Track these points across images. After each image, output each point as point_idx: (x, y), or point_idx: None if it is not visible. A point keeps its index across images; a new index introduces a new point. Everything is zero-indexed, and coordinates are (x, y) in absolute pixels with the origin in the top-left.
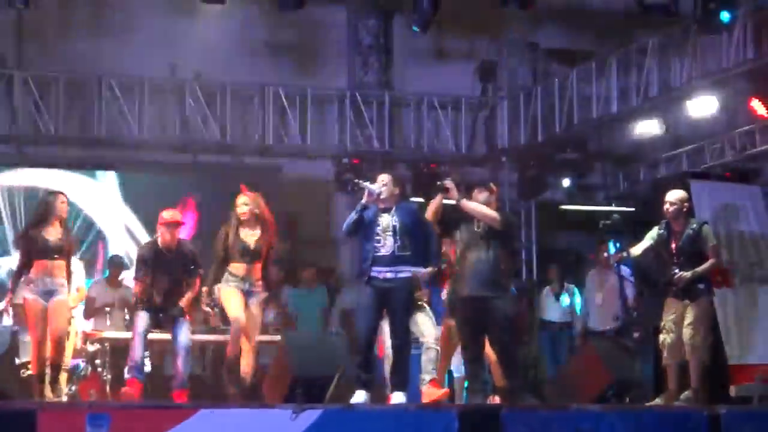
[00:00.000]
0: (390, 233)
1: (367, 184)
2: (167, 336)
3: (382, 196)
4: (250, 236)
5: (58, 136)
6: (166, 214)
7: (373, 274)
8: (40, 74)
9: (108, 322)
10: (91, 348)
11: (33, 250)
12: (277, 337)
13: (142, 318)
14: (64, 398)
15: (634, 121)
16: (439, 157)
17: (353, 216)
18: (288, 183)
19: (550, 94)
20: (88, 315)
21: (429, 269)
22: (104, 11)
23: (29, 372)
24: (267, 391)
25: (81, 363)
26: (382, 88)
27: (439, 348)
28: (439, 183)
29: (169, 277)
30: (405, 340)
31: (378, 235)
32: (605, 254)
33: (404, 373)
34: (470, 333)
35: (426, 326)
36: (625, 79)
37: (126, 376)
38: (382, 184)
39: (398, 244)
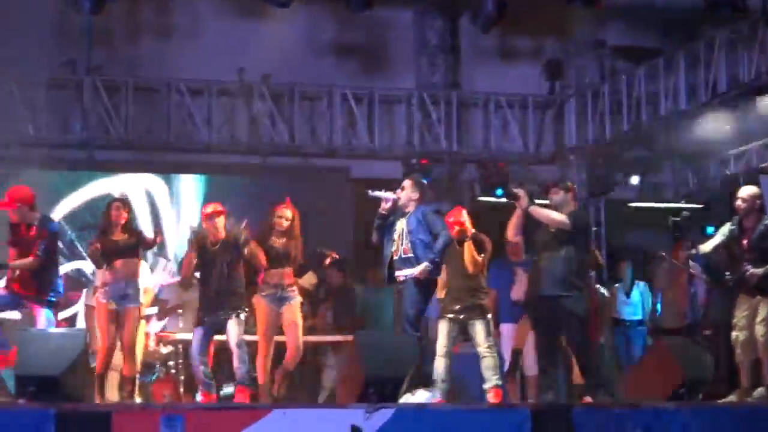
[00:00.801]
0: (402, 237)
1: (378, 193)
2: (223, 337)
3: (400, 202)
4: (279, 242)
5: (128, 141)
6: (207, 208)
7: (396, 276)
8: (110, 79)
9: (180, 324)
10: (164, 350)
11: (102, 255)
12: (350, 338)
13: (197, 339)
14: (138, 400)
15: (703, 118)
16: (506, 155)
17: (375, 225)
18: (357, 184)
19: (618, 92)
20: (160, 316)
21: (421, 268)
22: (172, 16)
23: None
24: (340, 391)
25: (155, 365)
26: (450, 88)
27: (495, 355)
28: (510, 192)
29: (220, 270)
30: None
31: (393, 240)
32: (677, 251)
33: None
34: (544, 331)
35: (480, 335)
36: (693, 75)
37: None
38: (400, 190)
39: (404, 247)
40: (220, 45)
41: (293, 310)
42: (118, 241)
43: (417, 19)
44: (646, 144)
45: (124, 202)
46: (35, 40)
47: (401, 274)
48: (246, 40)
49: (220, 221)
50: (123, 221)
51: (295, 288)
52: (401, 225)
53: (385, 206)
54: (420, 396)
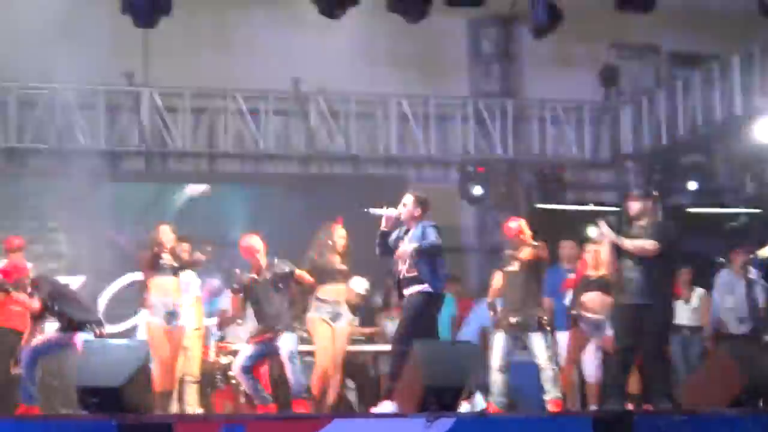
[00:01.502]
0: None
1: (377, 211)
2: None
3: (402, 218)
4: (336, 260)
5: (185, 152)
6: (245, 242)
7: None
8: (167, 90)
9: (241, 334)
10: (225, 360)
11: (150, 272)
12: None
13: (245, 357)
14: (199, 410)
15: (759, 122)
16: (563, 162)
17: (376, 242)
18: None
19: (674, 97)
20: (221, 326)
21: (409, 248)
22: (228, 27)
23: None
24: (399, 401)
25: (216, 375)
26: (505, 96)
27: (554, 367)
28: (596, 228)
29: (269, 299)
30: (397, 350)
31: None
32: (735, 257)
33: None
34: (626, 340)
35: (539, 348)
36: (748, 79)
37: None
38: (402, 206)
39: (407, 265)
40: (276, 55)
41: (346, 327)
42: (164, 259)
43: (471, 27)
44: (703, 149)
45: (170, 223)
46: (94, 52)
47: (406, 290)
48: (301, 50)
49: (261, 257)
50: (170, 242)
51: (345, 305)
52: (405, 241)
53: (388, 224)
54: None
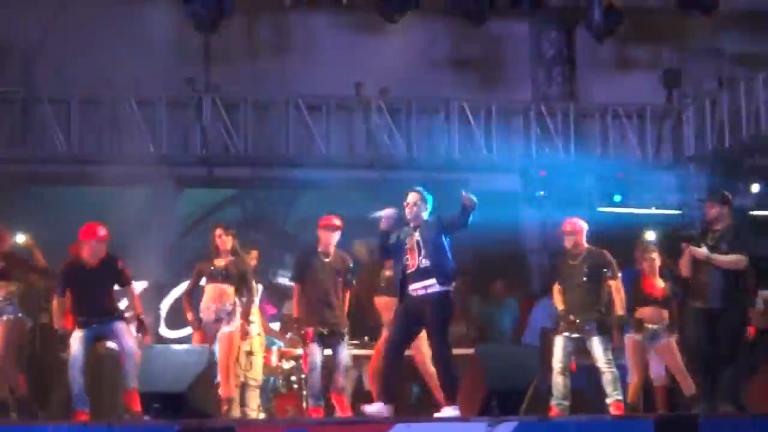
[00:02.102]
0: (415, 250)
1: (378, 213)
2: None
3: (408, 217)
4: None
5: (247, 157)
6: (325, 220)
7: (408, 292)
8: (229, 96)
9: None
10: (287, 365)
11: (202, 277)
12: (470, 350)
13: (314, 353)
14: (262, 415)
15: None
16: (625, 166)
17: (378, 243)
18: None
19: (737, 99)
20: (284, 331)
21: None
22: (289, 32)
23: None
24: (462, 404)
25: (278, 380)
26: (567, 99)
27: (613, 370)
28: (685, 246)
29: (323, 287)
30: (444, 355)
31: (406, 253)
32: None
33: (451, 387)
34: (703, 344)
35: (598, 351)
36: None
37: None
38: (405, 204)
39: (421, 257)
40: (337, 60)
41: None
42: (215, 267)
43: (533, 30)
44: (766, 151)
45: (227, 229)
46: (155, 59)
47: (420, 286)
48: (363, 54)
49: (335, 236)
50: (226, 247)
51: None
52: (413, 239)
53: (387, 224)
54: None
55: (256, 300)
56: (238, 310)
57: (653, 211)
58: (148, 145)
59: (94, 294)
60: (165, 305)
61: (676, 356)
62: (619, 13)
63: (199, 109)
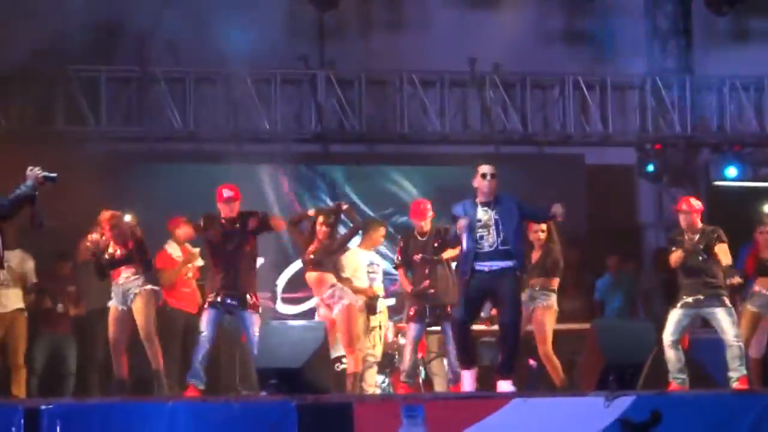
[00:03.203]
0: (493, 229)
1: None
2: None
3: (485, 190)
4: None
5: (362, 134)
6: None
7: (477, 268)
8: (343, 73)
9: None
10: (403, 341)
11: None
12: (586, 325)
13: (413, 329)
14: (378, 391)
15: None
16: (743, 138)
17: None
18: (591, 171)
19: None
20: (399, 308)
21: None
22: (402, 7)
23: (344, 366)
24: (580, 379)
25: (395, 355)
26: (683, 72)
27: (741, 344)
28: None
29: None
30: (513, 332)
31: (479, 230)
32: None
33: (513, 362)
34: None
35: (725, 323)
36: None
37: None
38: (483, 175)
39: (501, 238)
40: (450, 36)
41: (542, 316)
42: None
43: (648, 3)
44: None
45: (327, 213)
46: (269, 36)
47: (496, 265)
48: (476, 29)
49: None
50: (322, 237)
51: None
52: (488, 215)
53: (459, 230)
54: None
55: (379, 277)
56: (340, 288)
57: None
58: (263, 122)
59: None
60: (281, 282)
61: None
62: None
63: (314, 86)
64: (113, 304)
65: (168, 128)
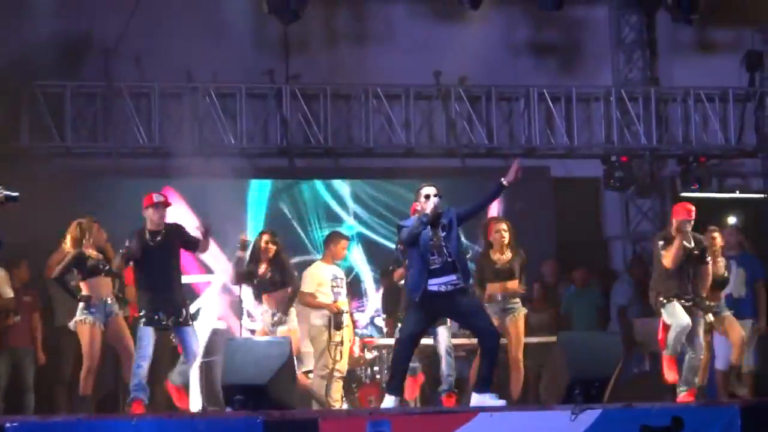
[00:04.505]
0: (443, 246)
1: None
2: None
3: (429, 210)
4: (500, 259)
5: (327, 148)
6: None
7: (430, 287)
8: (308, 87)
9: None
10: (369, 355)
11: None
12: (552, 338)
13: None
14: (345, 406)
15: None
16: (708, 150)
17: (418, 229)
18: (557, 184)
19: None
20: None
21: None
22: (367, 21)
23: (309, 380)
24: (544, 392)
25: (361, 370)
26: (648, 84)
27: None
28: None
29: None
30: (493, 339)
31: (430, 249)
32: None
33: (492, 373)
34: None
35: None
36: None
37: None
38: (434, 196)
39: (450, 256)
40: (415, 49)
41: (517, 322)
42: (264, 276)
43: (613, 15)
44: None
45: (270, 236)
46: (234, 51)
47: (445, 281)
48: (441, 42)
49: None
50: (269, 255)
51: (518, 300)
52: (437, 235)
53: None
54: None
55: (343, 291)
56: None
57: (736, 196)
58: (228, 136)
59: None
60: (247, 297)
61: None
62: None
63: (279, 100)
64: (92, 320)
65: (133, 143)
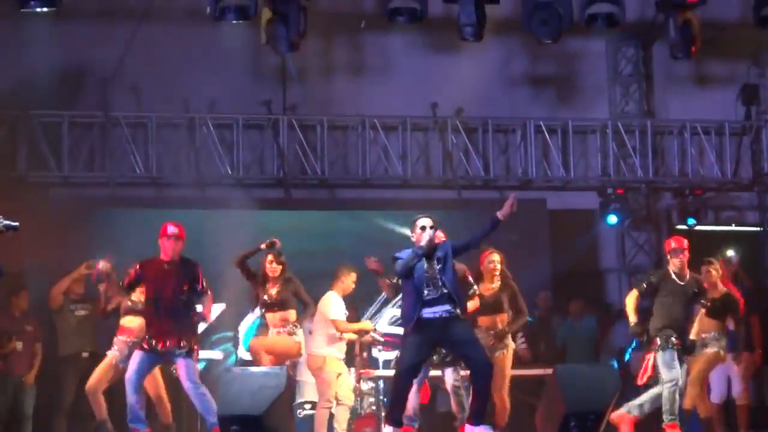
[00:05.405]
0: (437, 277)
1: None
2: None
3: (424, 242)
4: (489, 290)
5: (324, 179)
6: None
7: (425, 316)
8: (305, 118)
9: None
10: (365, 386)
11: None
12: (548, 371)
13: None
14: None
15: None
16: (704, 183)
17: (413, 261)
18: (552, 215)
19: None
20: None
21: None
22: (364, 53)
23: (306, 412)
24: (540, 425)
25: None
26: (644, 117)
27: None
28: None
29: None
30: (487, 370)
31: (425, 282)
32: None
33: (485, 406)
34: None
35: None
36: None
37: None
38: (430, 228)
39: (444, 287)
40: (412, 80)
41: (504, 360)
42: (269, 295)
43: (609, 48)
44: None
45: (276, 256)
46: (231, 82)
47: (440, 310)
48: (438, 74)
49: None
50: (273, 274)
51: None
52: (433, 264)
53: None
54: None
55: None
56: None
57: (732, 228)
58: (224, 167)
59: None
60: (243, 328)
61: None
62: (695, 33)
63: (276, 131)
64: (113, 355)
65: (130, 174)
